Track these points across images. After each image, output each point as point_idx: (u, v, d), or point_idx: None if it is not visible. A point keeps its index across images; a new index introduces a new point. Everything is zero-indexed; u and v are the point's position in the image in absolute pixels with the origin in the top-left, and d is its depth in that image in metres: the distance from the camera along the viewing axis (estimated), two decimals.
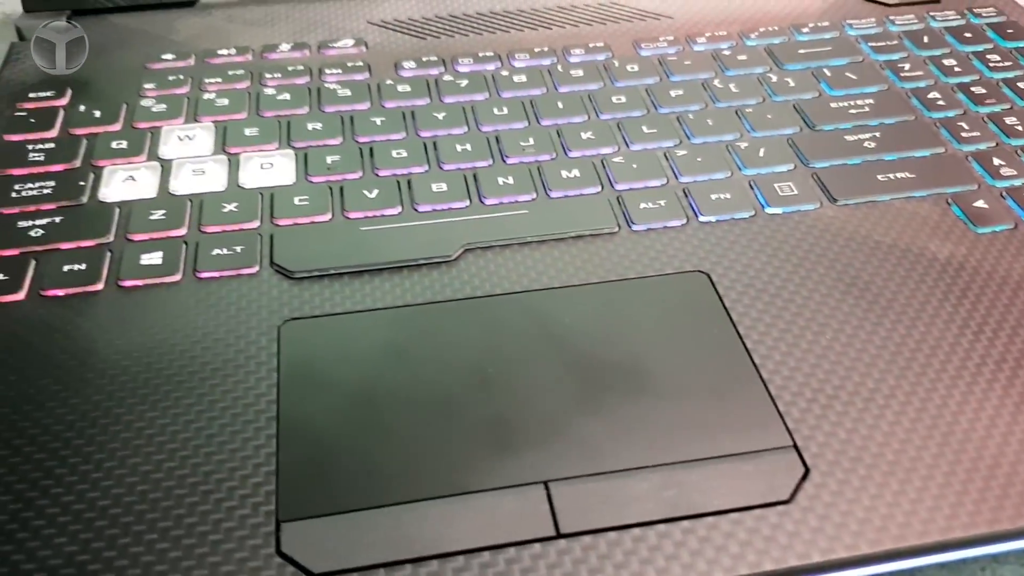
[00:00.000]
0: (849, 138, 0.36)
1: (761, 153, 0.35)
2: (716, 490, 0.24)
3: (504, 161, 0.35)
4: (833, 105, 0.38)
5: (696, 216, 0.33)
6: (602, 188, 0.34)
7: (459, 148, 0.36)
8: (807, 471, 0.25)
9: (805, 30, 0.43)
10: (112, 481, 0.24)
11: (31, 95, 0.39)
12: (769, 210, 0.33)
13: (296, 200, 0.33)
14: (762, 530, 0.23)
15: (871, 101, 0.38)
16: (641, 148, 0.36)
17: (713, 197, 0.33)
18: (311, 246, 0.31)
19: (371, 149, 0.36)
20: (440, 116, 0.37)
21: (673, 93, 0.39)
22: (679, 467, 0.25)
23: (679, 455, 0.25)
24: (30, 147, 0.36)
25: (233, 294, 0.30)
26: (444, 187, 0.34)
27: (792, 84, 0.39)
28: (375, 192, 0.33)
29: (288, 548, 0.23)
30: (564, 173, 0.34)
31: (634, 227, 0.32)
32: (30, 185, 0.34)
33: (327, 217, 0.32)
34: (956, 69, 0.40)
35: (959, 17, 0.44)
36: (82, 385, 0.27)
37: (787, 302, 0.29)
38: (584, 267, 0.31)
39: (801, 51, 0.41)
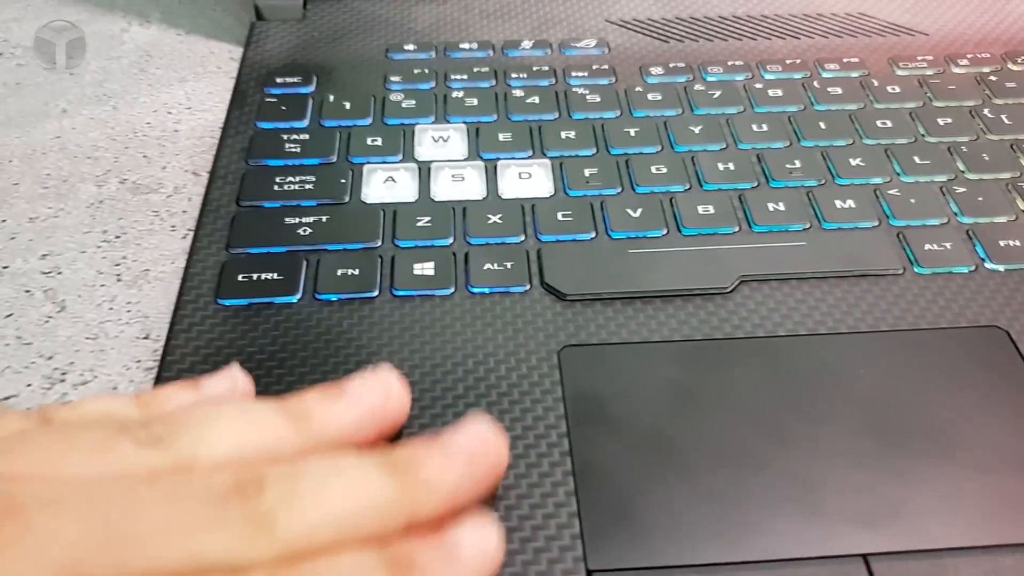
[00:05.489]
0: None
1: None
2: None
3: (769, 184, 0.34)
4: None
5: (983, 262, 0.31)
6: (879, 222, 0.32)
7: (720, 167, 0.34)
8: None
9: None
10: None
11: (277, 79, 0.39)
12: None
13: (559, 215, 0.32)
14: None
15: None
16: (914, 180, 0.34)
17: (1001, 243, 0.31)
18: (579, 267, 0.30)
19: (627, 162, 0.34)
20: (696, 130, 0.36)
21: (941, 121, 0.36)
22: (1005, 551, 0.23)
23: (1005, 537, 0.23)
24: (284, 136, 0.36)
25: (508, 313, 0.29)
26: (711, 209, 0.32)
27: None
28: (638, 211, 0.32)
29: None
30: (838, 203, 0.32)
31: (919, 270, 0.30)
32: (291, 179, 0.34)
33: (591, 235, 0.31)
34: None
35: None
36: None
37: None
38: (871, 311, 0.29)
39: None
